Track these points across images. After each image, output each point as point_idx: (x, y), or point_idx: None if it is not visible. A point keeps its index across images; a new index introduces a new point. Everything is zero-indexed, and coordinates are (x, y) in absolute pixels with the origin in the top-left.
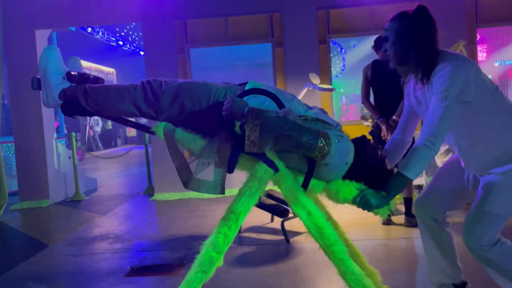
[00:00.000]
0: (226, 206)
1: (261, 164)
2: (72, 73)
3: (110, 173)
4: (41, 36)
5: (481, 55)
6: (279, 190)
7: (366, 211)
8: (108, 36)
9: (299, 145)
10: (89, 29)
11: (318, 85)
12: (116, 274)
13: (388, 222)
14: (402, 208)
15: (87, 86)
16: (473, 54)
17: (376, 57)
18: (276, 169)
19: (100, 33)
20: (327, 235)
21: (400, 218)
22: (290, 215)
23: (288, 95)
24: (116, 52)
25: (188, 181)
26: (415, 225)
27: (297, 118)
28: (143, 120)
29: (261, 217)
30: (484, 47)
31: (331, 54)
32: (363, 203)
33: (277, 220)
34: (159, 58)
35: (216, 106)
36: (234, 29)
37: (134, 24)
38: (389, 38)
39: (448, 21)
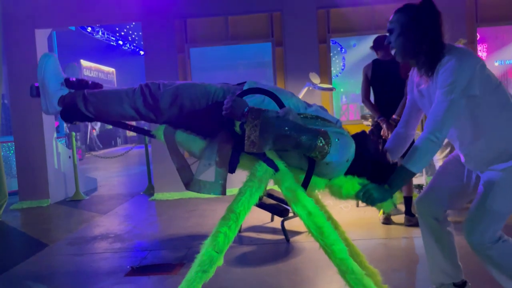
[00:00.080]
0: (226, 205)
1: (261, 163)
2: (71, 79)
3: (110, 173)
4: (41, 36)
5: (481, 54)
6: (279, 190)
7: (369, 206)
8: (108, 36)
9: (299, 145)
10: (89, 29)
11: (318, 85)
12: (116, 274)
13: (388, 221)
14: (402, 207)
15: (85, 91)
16: None
17: (375, 56)
18: (276, 169)
19: (100, 33)
20: (327, 235)
21: (400, 218)
22: (290, 214)
23: (287, 93)
24: (116, 51)
25: (189, 183)
26: (415, 224)
27: (297, 118)
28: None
29: (261, 217)
30: (484, 46)
31: (331, 54)
32: (366, 198)
33: (277, 220)
34: (159, 57)
35: (215, 106)
36: (234, 29)
37: (134, 23)
38: (394, 30)
39: (448, 21)
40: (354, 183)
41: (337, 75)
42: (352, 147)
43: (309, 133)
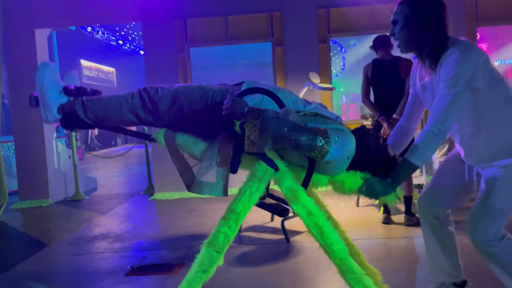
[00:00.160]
0: (226, 205)
1: (261, 163)
2: (69, 87)
3: (110, 173)
4: (41, 35)
5: None
6: (279, 189)
7: (373, 200)
8: (108, 35)
9: (298, 146)
10: (89, 29)
11: (318, 84)
12: (116, 274)
13: (388, 221)
14: (402, 207)
15: (84, 98)
16: None
17: (375, 56)
18: (276, 168)
19: (100, 32)
20: (327, 234)
21: (400, 217)
22: (290, 214)
23: (285, 91)
24: (116, 51)
25: (191, 185)
26: (415, 224)
27: (297, 118)
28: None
29: (261, 216)
30: (484, 46)
31: (331, 53)
32: (369, 192)
33: (277, 219)
34: (159, 57)
35: (214, 107)
36: (234, 28)
37: (134, 23)
38: (398, 22)
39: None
40: (356, 178)
41: (337, 75)
42: (352, 143)
43: (309, 133)
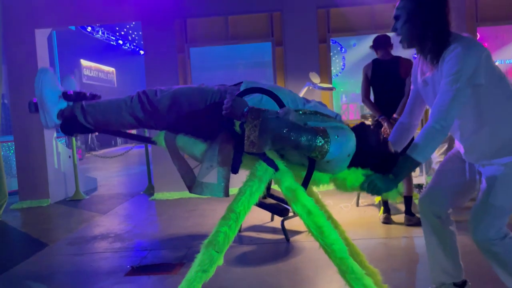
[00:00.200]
0: (226, 205)
1: (261, 163)
2: (68, 92)
3: (110, 173)
4: (41, 35)
5: None
6: (279, 189)
7: (375, 196)
8: (108, 35)
9: (298, 146)
10: (89, 28)
11: (318, 84)
12: (116, 273)
13: (388, 221)
14: (402, 207)
15: (84, 103)
16: None
17: (375, 56)
18: (276, 168)
19: (100, 32)
20: (327, 234)
21: (400, 217)
22: (290, 214)
23: (285, 90)
24: (116, 51)
25: (192, 186)
26: (415, 224)
27: (297, 118)
28: None
29: (261, 216)
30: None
31: (331, 53)
32: (371, 188)
33: (277, 219)
34: (159, 57)
35: (214, 107)
36: (234, 28)
37: (134, 23)
38: (400, 17)
39: None
40: (358, 175)
41: (337, 75)
42: (352, 141)
43: (308, 133)
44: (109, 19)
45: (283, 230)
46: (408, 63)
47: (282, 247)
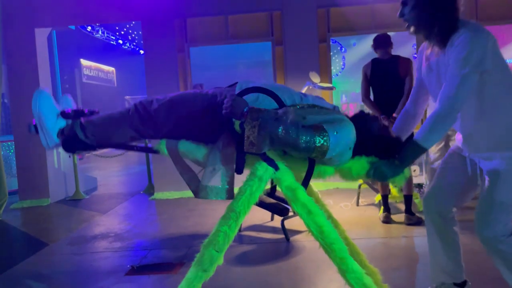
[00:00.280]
0: (226, 204)
1: (261, 162)
2: (66, 111)
3: (110, 172)
4: (41, 35)
5: None
6: (279, 189)
7: (382, 182)
8: (108, 35)
9: (297, 148)
10: (89, 28)
11: (318, 84)
12: (116, 273)
13: (388, 220)
14: (402, 206)
15: (82, 120)
16: None
17: (376, 55)
18: (276, 168)
19: (100, 32)
20: (327, 234)
21: (400, 216)
22: (290, 213)
23: (282, 87)
24: (116, 50)
25: (197, 191)
26: (415, 223)
27: (296, 115)
28: None
29: (261, 216)
30: None
31: (331, 53)
32: (377, 175)
33: (277, 219)
34: (159, 57)
35: (213, 109)
36: (234, 28)
37: (133, 22)
38: (408, 2)
39: None
40: (363, 163)
41: (337, 74)
42: (352, 133)
43: (307, 134)
44: (109, 18)
45: (283, 229)
46: (407, 62)
47: (282, 247)
